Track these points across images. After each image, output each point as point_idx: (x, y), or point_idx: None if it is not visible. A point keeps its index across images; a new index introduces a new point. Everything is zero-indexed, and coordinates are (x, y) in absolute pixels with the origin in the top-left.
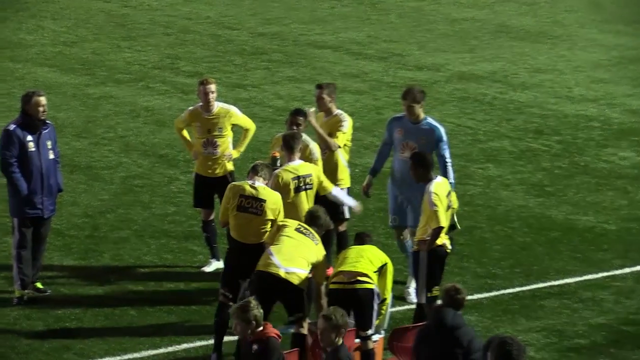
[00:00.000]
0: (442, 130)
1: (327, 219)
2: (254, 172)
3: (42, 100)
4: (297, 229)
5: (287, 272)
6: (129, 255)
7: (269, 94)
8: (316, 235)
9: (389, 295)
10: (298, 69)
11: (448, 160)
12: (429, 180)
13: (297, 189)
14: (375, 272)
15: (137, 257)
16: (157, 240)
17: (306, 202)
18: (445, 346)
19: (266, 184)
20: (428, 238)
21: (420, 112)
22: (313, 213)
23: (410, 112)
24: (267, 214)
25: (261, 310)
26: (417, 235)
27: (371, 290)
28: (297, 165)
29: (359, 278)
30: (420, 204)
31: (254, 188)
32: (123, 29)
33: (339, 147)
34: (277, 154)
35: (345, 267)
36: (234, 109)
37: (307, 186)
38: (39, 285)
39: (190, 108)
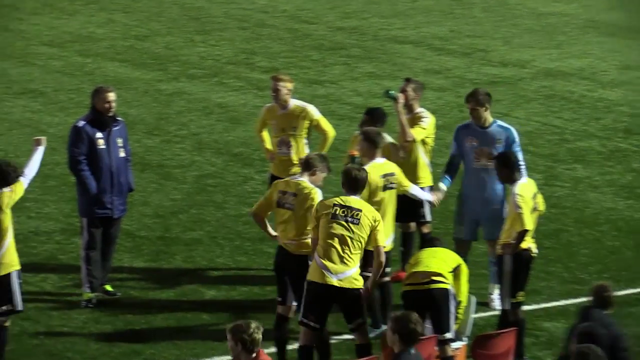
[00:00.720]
0: (514, 131)
1: (364, 177)
2: (305, 167)
3: (110, 95)
4: (334, 218)
5: (339, 280)
6: (202, 258)
7: (348, 91)
8: (354, 205)
9: (465, 299)
10: (378, 65)
11: (521, 162)
12: (513, 181)
13: (384, 188)
14: (450, 272)
15: (210, 260)
16: (230, 242)
17: (390, 201)
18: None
19: (314, 177)
20: (513, 241)
21: (487, 115)
22: (350, 175)
23: (474, 116)
24: (297, 209)
25: (260, 336)
26: (502, 238)
27: (446, 290)
28: (382, 163)
29: (434, 278)
30: (496, 214)
31: (293, 183)
32: (197, 22)
33: (414, 139)
34: (356, 153)
35: (419, 268)
36: (310, 108)
37: (392, 185)
38: (108, 287)
39: (267, 105)
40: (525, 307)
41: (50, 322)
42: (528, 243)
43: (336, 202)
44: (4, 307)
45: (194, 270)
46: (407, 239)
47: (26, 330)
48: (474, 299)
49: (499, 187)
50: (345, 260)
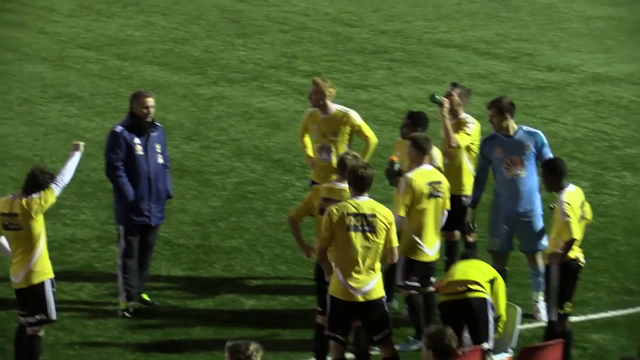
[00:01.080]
0: (541, 134)
1: (371, 174)
2: (341, 170)
3: (149, 100)
4: (350, 230)
5: (364, 294)
6: (241, 266)
7: (391, 96)
8: (367, 210)
9: (504, 312)
10: (422, 69)
11: None
12: (560, 188)
13: (429, 195)
14: (487, 282)
15: (250, 268)
16: (270, 251)
17: (435, 210)
18: None
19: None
20: (560, 251)
21: (511, 123)
22: (356, 174)
23: (492, 124)
24: None
25: (258, 359)
26: (549, 248)
27: (484, 299)
28: (429, 171)
29: (470, 286)
30: (531, 225)
31: (336, 190)
32: (237, 25)
33: (459, 145)
34: (395, 159)
35: (455, 277)
36: (352, 113)
37: (438, 193)
38: (145, 297)
39: (309, 110)
40: (573, 319)
41: (86, 332)
42: (575, 252)
43: (349, 211)
44: (38, 317)
45: (233, 279)
46: (451, 248)
47: (61, 340)
48: (519, 310)
49: (533, 196)
50: (368, 272)
